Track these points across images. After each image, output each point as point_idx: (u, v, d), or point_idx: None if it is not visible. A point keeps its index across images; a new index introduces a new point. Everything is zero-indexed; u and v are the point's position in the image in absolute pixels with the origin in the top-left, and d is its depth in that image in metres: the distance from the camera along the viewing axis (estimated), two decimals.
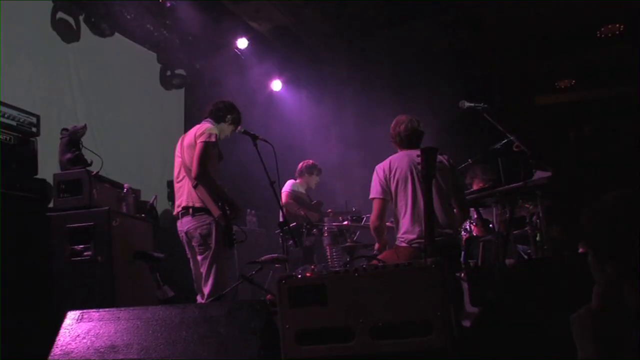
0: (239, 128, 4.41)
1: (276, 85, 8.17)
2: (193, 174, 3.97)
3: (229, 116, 4.34)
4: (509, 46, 7.68)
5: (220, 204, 3.96)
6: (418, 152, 2.97)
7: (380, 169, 3.91)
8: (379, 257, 3.79)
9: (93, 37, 5.97)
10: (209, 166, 4.01)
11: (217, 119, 4.31)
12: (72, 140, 4.16)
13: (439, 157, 3.68)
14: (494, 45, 7.63)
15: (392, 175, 3.85)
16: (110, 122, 6.13)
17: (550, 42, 7.59)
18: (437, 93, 7.23)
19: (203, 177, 3.96)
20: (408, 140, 3.97)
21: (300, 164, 6.32)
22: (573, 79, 8.65)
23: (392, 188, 3.85)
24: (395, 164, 3.88)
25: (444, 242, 3.59)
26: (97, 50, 6.05)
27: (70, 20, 5.73)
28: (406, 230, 3.76)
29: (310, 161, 6.33)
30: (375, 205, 3.89)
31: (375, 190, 3.89)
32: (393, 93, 7.59)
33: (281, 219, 4.78)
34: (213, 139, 4.04)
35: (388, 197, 3.87)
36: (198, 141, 4.03)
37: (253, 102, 7.37)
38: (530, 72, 8.14)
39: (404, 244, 3.77)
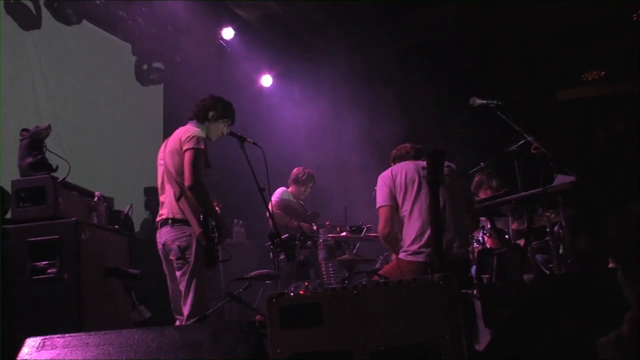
0: (227, 124, 4.39)
1: (266, 80, 8.19)
2: (186, 184, 3.98)
3: (211, 112, 4.33)
4: (527, 33, 7.65)
5: (202, 220, 3.94)
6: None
7: (384, 177, 4.03)
8: (381, 272, 3.80)
9: (57, 25, 5.93)
10: (202, 175, 4.03)
11: (201, 118, 4.32)
12: (34, 142, 4.15)
13: (447, 162, 3.71)
14: (509, 33, 7.61)
15: (396, 182, 3.96)
16: (79, 122, 6.13)
17: (576, 27, 7.52)
18: (444, 89, 7.26)
19: (196, 187, 3.96)
20: (413, 156, 4.12)
21: (295, 170, 6.31)
22: (602, 69, 8.56)
23: (398, 197, 3.94)
24: (398, 170, 4.00)
25: (453, 258, 3.61)
26: (61, 40, 6.02)
27: (29, 3, 5.67)
28: (411, 241, 3.82)
29: (301, 168, 6.32)
30: (382, 214, 3.97)
31: (381, 199, 3.98)
32: (396, 89, 7.63)
33: (272, 230, 4.79)
34: (202, 146, 4.05)
35: (395, 204, 3.95)
36: (185, 148, 4.04)
37: (240, 99, 7.37)
38: (552, 62, 8.08)
39: (408, 258, 3.82)
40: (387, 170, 4.06)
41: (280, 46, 7.98)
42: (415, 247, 3.80)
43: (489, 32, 7.51)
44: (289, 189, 6.29)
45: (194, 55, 7.17)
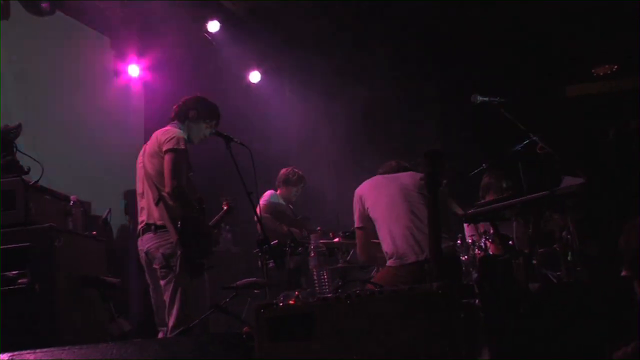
0: (210, 125, 4.39)
1: (254, 76, 8.19)
2: (166, 189, 3.97)
3: (191, 112, 4.34)
4: (532, 23, 7.63)
5: (180, 227, 3.92)
6: (407, 174, 3.09)
7: (355, 195, 4.34)
8: (375, 279, 3.86)
9: (29, 16, 5.90)
10: (183, 179, 4.01)
11: (182, 118, 4.33)
12: (3, 142, 4.15)
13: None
14: (513, 23, 7.60)
15: (367, 196, 4.26)
16: (52, 121, 6.09)
17: (586, 17, 7.49)
18: (445, 85, 7.27)
19: (175, 192, 3.95)
20: (396, 170, 4.41)
21: (284, 171, 6.33)
22: (614, 63, 8.54)
23: (370, 211, 4.23)
24: (371, 182, 4.33)
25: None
26: (34, 32, 5.99)
27: None
28: (391, 248, 4.08)
29: (290, 169, 6.33)
30: (357, 236, 4.41)
31: (355, 219, 4.36)
32: (394, 85, 7.64)
33: (260, 236, 4.78)
34: (182, 146, 4.05)
35: (366, 224, 4.27)
36: (165, 149, 4.04)
37: (226, 97, 7.37)
38: (559, 55, 8.07)
39: (396, 263, 4.04)
40: (359, 187, 4.36)
41: (270, 40, 7.98)
42: (400, 250, 4.03)
43: (491, 23, 7.50)
44: (278, 192, 6.28)
45: (177, 50, 7.16)
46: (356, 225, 4.35)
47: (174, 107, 4.40)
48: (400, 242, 4.05)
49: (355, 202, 4.32)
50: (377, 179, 4.37)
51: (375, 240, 4.48)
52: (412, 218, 4.07)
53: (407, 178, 4.25)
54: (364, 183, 4.37)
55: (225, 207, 4.62)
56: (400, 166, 4.42)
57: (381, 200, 4.18)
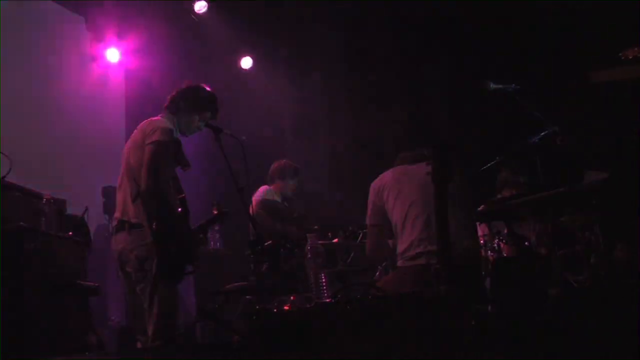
0: (204, 116, 4.38)
1: (246, 62, 8.18)
2: (142, 187, 3.94)
3: (182, 102, 4.33)
4: (551, 2, 7.59)
5: (156, 228, 3.88)
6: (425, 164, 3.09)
7: (371, 188, 4.25)
8: (378, 283, 3.85)
9: None
10: (163, 176, 3.98)
11: (172, 109, 4.33)
12: None
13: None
14: (530, 2, 7.55)
15: (384, 188, 4.16)
16: (22, 111, 6.07)
17: None
18: (457, 70, 7.24)
19: (149, 190, 3.91)
20: (410, 162, 4.27)
21: (277, 164, 6.32)
22: None
23: (388, 205, 4.12)
24: (390, 175, 4.20)
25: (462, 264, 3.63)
26: (1, 12, 5.97)
27: None
28: (407, 245, 3.95)
29: (284, 161, 6.33)
30: (369, 233, 4.29)
31: (367, 215, 4.25)
32: (400, 70, 7.60)
33: (252, 236, 4.77)
34: (167, 138, 4.02)
35: (382, 222, 4.17)
36: (148, 141, 4.02)
37: (215, 84, 7.33)
38: (582, 37, 8.01)
39: (407, 263, 3.92)
40: (377, 179, 4.25)
41: (263, 21, 7.96)
42: (413, 252, 3.91)
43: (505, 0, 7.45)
44: (271, 187, 6.27)
45: (160, 32, 7.14)
46: (369, 222, 4.28)
47: (168, 96, 4.39)
48: (417, 241, 3.97)
49: (370, 196, 4.25)
50: (395, 170, 4.28)
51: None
52: (432, 214, 4.01)
53: (425, 169, 4.15)
54: (381, 175, 4.28)
55: (215, 213, 4.56)
56: (418, 155, 4.35)
57: (400, 195, 4.11)
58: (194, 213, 4.29)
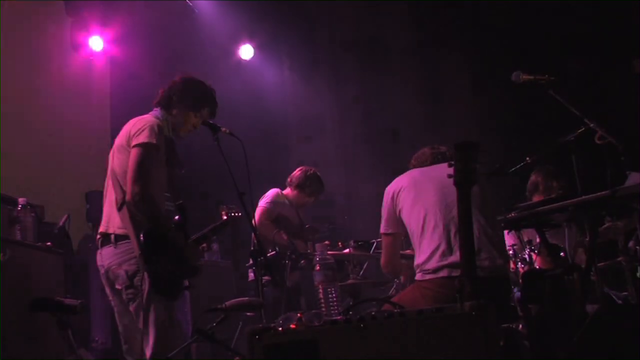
0: (200, 113, 4.39)
1: (246, 51, 8.22)
2: (127, 195, 3.95)
3: (175, 97, 4.33)
4: None
5: (143, 239, 3.89)
6: (444, 166, 3.08)
7: (386, 193, 4.29)
8: (394, 299, 3.83)
9: None
10: (151, 182, 3.99)
11: (164, 105, 4.32)
12: None
13: None
14: None
15: (400, 193, 4.19)
16: None
17: None
18: (480, 60, 7.24)
19: (135, 199, 3.91)
20: (431, 162, 4.35)
21: (297, 171, 6.25)
22: None
23: (404, 211, 4.15)
24: (405, 178, 4.26)
25: (486, 276, 3.64)
26: None
27: None
28: (427, 257, 3.96)
29: (312, 171, 6.20)
30: (384, 243, 4.38)
31: (381, 223, 4.33)
32: (417, 61, 7.61)
33: (254, 246, 4.79)
34: (154, 140, 4.01)
35: (398, 230, 4.23)
36: (133, 143, 4.02)
37: (213, 76, 7.37)
38: (625, 22, 7.99)
39: (427, 277, 3.92)
40: (392, 183, 4.30)
41: (264, 8, 7.97)
42: (434, 264, 3.91)
43: None
44: (286, 191, 6.25)
45: (152, 20, 7.16)
46: (383, 230, 4.33)
47: (160, 90, 4.39)
48: (438, 252, 3.97)
49: (385, 202, 4.29)
50: (411, 174, 4.33)
51: (404, 252, 4.59)
52: (454, 223, 4.01)
53: (445, 171, 4.11)
54: (396, 179, 4.32)
55: (224, 218, 4.53)
56: (436, 154, 4.37)
57: (417, 200, 4.13)
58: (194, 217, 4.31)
